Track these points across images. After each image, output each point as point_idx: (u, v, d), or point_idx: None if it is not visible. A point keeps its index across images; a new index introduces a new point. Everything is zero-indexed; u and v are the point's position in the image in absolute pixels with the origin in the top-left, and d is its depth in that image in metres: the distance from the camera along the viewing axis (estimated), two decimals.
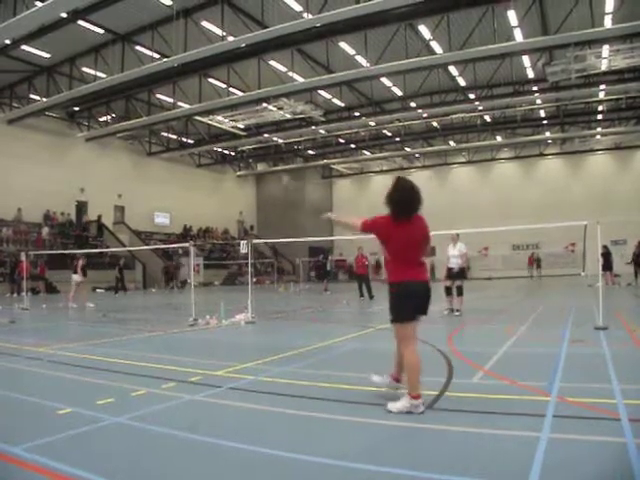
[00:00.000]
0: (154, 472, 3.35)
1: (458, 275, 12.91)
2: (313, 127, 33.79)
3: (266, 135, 35.92)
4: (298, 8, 20.45)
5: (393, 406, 4.40)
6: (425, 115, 32.84)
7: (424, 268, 4.73)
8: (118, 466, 3.42)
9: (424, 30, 23.03)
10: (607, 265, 22.91)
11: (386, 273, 4.73)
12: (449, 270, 13.06)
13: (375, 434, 3.96)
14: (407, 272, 4.57)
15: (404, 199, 4.54)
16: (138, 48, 23.71)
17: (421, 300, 4.58)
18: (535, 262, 39.88)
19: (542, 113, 34.70)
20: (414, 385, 4.42)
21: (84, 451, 3.67)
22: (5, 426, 4.32)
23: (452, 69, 27.78)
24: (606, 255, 22.81)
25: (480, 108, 31.34)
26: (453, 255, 12.89)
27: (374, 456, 3.45)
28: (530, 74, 28.61)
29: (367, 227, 4.80)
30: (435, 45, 24.34)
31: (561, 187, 42.23)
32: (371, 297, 18.95)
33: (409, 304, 4.53)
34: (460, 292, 12.78)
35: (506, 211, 41.42)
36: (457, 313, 12.66)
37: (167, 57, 21.59)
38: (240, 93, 27.34)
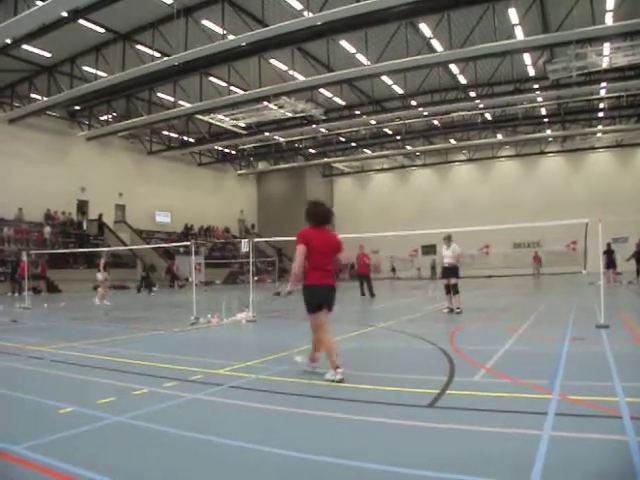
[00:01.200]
0: (155, 471, 3.35)
1: (452, 273, 12.95)
2: (314, 125, 33.79)
3: (267, 134, 35.92)
4: (299, 6, 20.41)
5: (327, 375, 5.60)
6: (426, 113, 32.79)
7: (333, 273, 6.07)
8: (119, 465, 3.42)
9: (425, 28, 22.99)
10: (610, 263, 22.93)
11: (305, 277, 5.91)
12: (444, 269, 13.21)
13: (377, 432, 3.96)
14: (318, 277, 5.87)
15: (318, 213, 6.04)
16: (139, 47, 23.69)
17: (327, 299, 5.98)
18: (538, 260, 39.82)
19: (543, 111, 34.69)
20: (333, 360, 5.63)
21: (85, 450, 3.67)
22: (7, 425, 4.32)
23: (453, 67, 27.75)
24: (609, 253, 22.81)
25: (481, 106, 31.29)
26: (447, 255, 13.00)
27: (377, 455, 3.45)
28: (531, 72, 28.59)
29: (299, 242, 5.91)
30: (436, 43, 24.31)
31: (562, 185, 42.21)
32: (372, 295, 18.95)
33: (315, 302, 5.90)
34: (456, 290, 12.85)
35: (507, 209, 41.38)
36: (457, 311, 12.69)
37: (168, 56, 21.59)
38: (241, 92, 27.32)
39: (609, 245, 22.73)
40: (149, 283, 28.31)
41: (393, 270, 44.95)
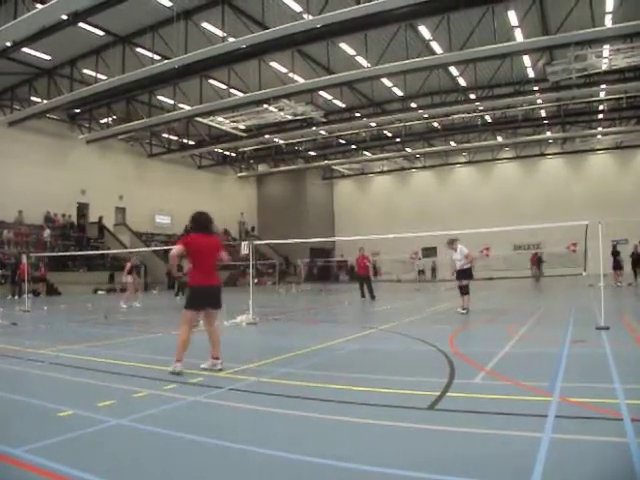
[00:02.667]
0: (156, 474, 3.35)
1: (463, 275, 13.12)
2: (314, 128, 33.78)
3: (267, 136, 35.89)
4: (298, 9, 20.44)
5: (171, 367, 6.31)
6: (426, 115, 32.84)
7: (216, 274, 6.69)
8: (120, 468, 3.41)
9: (424, 30, 23.02)
10: (617, 264, 23.01)
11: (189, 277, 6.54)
12: (457, 272, 13.26)
13: (377, 435, 3.96)
14: (200, 279, 6.44)
15: (200, 221, 6.65)
16: (139, 50, 23.70)
17: (209, 298, 6.55)
18: (537, 262, 39.74)
19: (543, 113, 34.70)
20: (179, 353, 6.35)
21: (85, 453, 3.67)
22: (6, 427, 4.32)
23: (452, 69, 27.79)
24: (615, 254, 22.88)
25: (481, 108, 31.32)
26: (457, 259, 13.08)
27: (377, 457, 3.45)
28: (531, 74, 28.62)
29: (180, 243, 6.59)
30: (435, 45, 24.35)
31: (562, 187, 42.24)
32: (372, 297, 18.94)
33: (197, 301, 6.52)
34: (465, 291, 13.01)
35: (507, 211, 41.42)
36: (462, 311, 12.82)
37: (168, 59, 21.61)
38: (241, 94, 27.35)
39: (615, 246, 22.81)
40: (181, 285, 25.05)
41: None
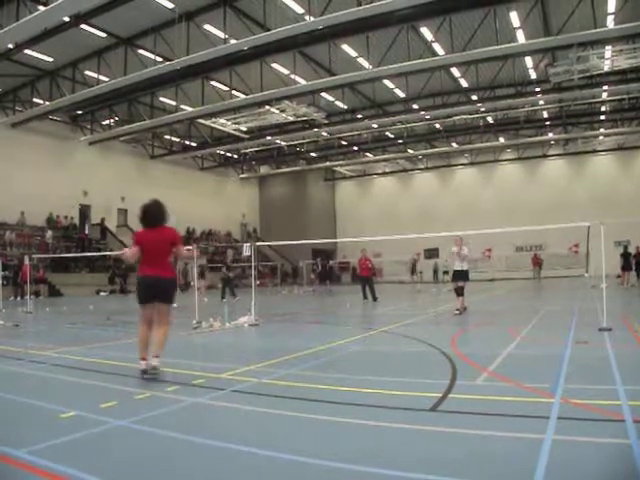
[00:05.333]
0: (159, 475, 3.35)
1: (461, 276, 13.17)
2: (316, 129, 33.79)
3: (269, 138, 35.94)
4: (300, 10, 20.46)
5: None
6: (428, 117, 32.81)
7: (165, 266, 6.30)
8: (122, 469, 3.41)
9: (426, 32, 23.04)
10: (627, 265, 23.07)
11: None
12: (455, 273, 13.40)
13: (379, 436, 3.95)
14: (145, 269, 6.23)
15: (146, 215, 6.32)
16: (141, 52, 23.73)
17: (153, 290, 6.18)
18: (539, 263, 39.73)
19: (545, 114, 34.68)
20: (141, 350, 6.16)
21: (88, 454, 3.67)
22: (9, 429, 4.32)
23: (454, 71, 27.80)
24: (626, 255, 22.93)
25: (483, 109, 31.30)
26: (464, 254, 13.13)
27: (379, 459, 3.44)
28: (533, 75, 28.62)
29: (134, 240, 6.39)
30: (437, 47, 24.37)
31: (564, 188, 42.20)
32: (374, 299, 18.93)
33: (142, 292, 6.23)
34: (461, 292, 13.10)
35: (509, 212, 41.38)
36: (456, 312, 12.87)
37: (170, 60, 21.64)
38: (243, 96, 27.38)
39: (626, 247, 22.87)
40: (232, 291, 22.06)
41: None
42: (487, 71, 27.05)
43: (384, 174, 49.31)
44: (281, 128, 34.19)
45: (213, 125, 30.08)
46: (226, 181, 48.24)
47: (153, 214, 6.34)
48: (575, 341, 8.10)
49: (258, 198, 52.33)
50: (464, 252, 12.99)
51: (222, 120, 28.73)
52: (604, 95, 29.84)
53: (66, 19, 19.17)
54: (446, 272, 30.33)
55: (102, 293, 30.02)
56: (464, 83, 29.91)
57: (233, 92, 27.25)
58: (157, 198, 6.49)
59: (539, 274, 38.68)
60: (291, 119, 28.00)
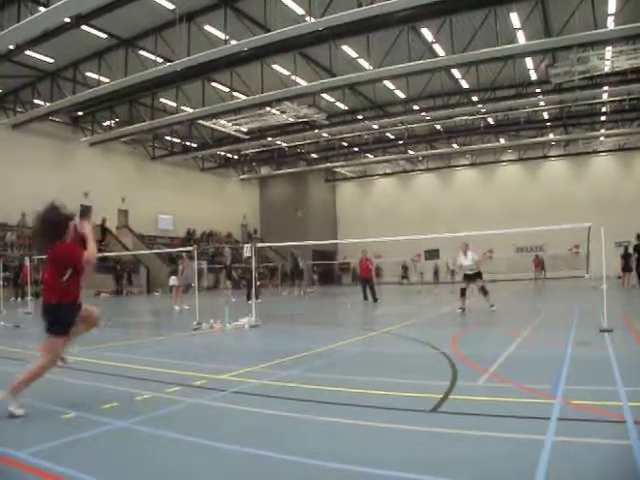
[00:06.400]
0: (159, 477, 3.35)
1: (475, 277, 13.84)
2: (316, 130, 33.84)
3: (269, 139, 35.98)
4: (301, 11, 20.47)
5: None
6: (428, 118, 32.84)
7: (46, 290, 5.07)
8: (122, 471, 3.42)
9: (426, 33, 23.05)
10: (627, 266, 23.08)
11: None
12: (465, 276, 13.98)
13: (380, 437, 3.95)
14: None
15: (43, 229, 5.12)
16: (141, 52, 23.77)
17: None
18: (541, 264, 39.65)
19: (545, 115, 34.69)
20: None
21: (89, 456, 3.67)
22: (10, 430, 4.32)
23: (455, 72, 27.79)
24: (626, 256, 22.93)
25: (483, 110, 31.30)
26: (467, 265, 13.75)
27: (380, 460, 3.44)
28: (533, 76, 28.62)
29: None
30: (438, 48, 24.38)
31: (565, 189, 42.20)
32: (375, 300, 18.93)
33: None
34: (485, 292, 13.73)
35: (510, 213, 41.34)
36: (493, 308, 13.54)
37: (170, 61, 21.66)
38: (243, 97, 27.39)
39: (626, 248, 22.87)
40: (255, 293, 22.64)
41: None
42: (488, 72, 27.05)
43: (385, 175, 49.34)
44: (282, 129, 34.24)
45: (214, 126, 30.11)
46: (227, 182, 48.27)
47: (51, 228, 5.07)
48: (576, 342, 8.09)
49: (259, 199, 52.33)
50: (470, 258, 13.63)
51: (223, 121, 28.77)
52: (605, 96, 29.84)
53: (67, 20, 19.18)
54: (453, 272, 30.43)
55: (103, 294, 30.01)
56: (465, 84, 29.92)
57: (234, 93, 27.28)
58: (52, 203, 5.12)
59: (542, 275, 38.64)
60: (292, 120, 28.03)
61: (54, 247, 5.03)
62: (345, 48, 24.36)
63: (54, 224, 5.01)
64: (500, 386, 5.45)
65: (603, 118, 35.58)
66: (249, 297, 21.16)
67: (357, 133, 37.00)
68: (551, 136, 39.20)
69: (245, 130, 31.04)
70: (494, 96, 29.38)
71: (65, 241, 5.05)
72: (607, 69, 22.18)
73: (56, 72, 26.27)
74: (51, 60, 24.92)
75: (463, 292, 13.82)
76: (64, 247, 5.03)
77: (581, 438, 3.71)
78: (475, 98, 30.53)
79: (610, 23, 21.25)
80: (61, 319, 4.95)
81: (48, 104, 26.65)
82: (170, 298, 18.46)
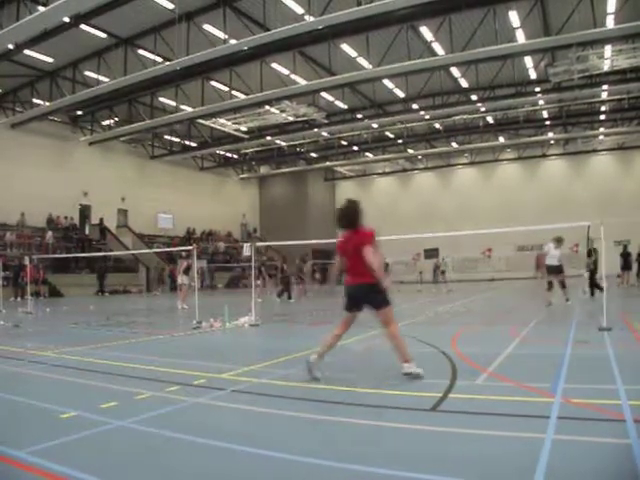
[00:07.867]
0: (159, 476, 3.35)
1: (557, 270, 14.53)
2: (316, 129, 33.82)
3: (269, 138, 35.95)
4: (300, 10, 20.47)
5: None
6: (427, 117, 32.84)
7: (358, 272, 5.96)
8: (122, 470, 3.41)
9: (426, 32, 23.05)
10: (627, 265, 23.13)
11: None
12: (548, 268, 14.63)
13: (379, 436, 3.95)
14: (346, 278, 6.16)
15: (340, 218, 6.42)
16: (140, 52, 23.77)
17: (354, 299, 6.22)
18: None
19: (545, 114, 34.67)
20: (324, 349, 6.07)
21: (88, 455, 3.67)
22: (9, 430, 4.32)
23: (454, 70, 27.80)
24: (625, 255, 22.97)
25: (482, 109, 31.31)
26: (554, 255, 14.57)
27: (379, 459, 3.44)
28: (532, 75, 28.61)
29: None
30: (437, 47, 24.38)
31: (564, 188, 42.19)
32: None
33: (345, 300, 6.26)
34: (563, 285, 14.63)
35: (509, 212, 41.35)
36: (568, 302, 14.13)
37: (169, 61, 21.65)
38: (243, 96, 27.39)
39: (625, 247, 22.91)
40: (288, 292, 21.69)
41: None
42: (487, 71, 27.06)
43: (384, 174, 49.32)
44: (281, 128, 34.21)
45: (213, 125, 30.11)
46: (226, 181, 48.26)
47: (340, 217, 6.32)
48: (575, 341, 8.10)
49: (258, 198, 52.33)
50: (559, 252, 14.52)
51: (222, 120, 28.76)
52: (604, 95, 29.86)
53: (66, 19, 19.17)
54: (443, 272, 30.28)
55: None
56: (464, 83, 29.93)
57: (233, 92, 27.25)
58: (352, 199, 6.37)
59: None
60: (291, 119, 28.03)
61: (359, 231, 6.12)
62: (344, 47, 24.35)
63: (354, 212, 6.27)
64: (500, 385, 5.45)
65: (602, 117, 35.60)
66: (281, 295, 21.06)
67: (356, 132, 37.01)
68: (550, 135, 39.22)
69: (244, 129, 31.04)
70: (493, 95, 29.38)
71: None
72: (606, 68, 22.17)
73: (55, 71, 26.27)
74: (50, 59, 24.92)
75: (550, 286, 14.63)
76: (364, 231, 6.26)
77: (581, 437, 3.71)
78: (474, 97, 30.51)
79: (609, 22, 21.27)
80: (383, 291, 5.96)
81: (47, 103, 26.63)
82: (178, 297, 18.40)
